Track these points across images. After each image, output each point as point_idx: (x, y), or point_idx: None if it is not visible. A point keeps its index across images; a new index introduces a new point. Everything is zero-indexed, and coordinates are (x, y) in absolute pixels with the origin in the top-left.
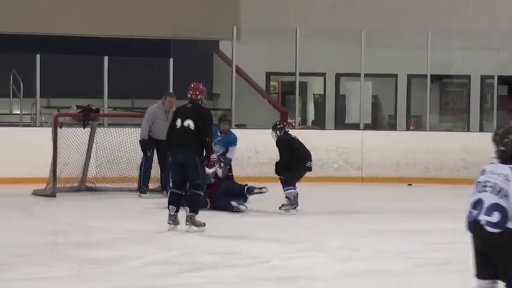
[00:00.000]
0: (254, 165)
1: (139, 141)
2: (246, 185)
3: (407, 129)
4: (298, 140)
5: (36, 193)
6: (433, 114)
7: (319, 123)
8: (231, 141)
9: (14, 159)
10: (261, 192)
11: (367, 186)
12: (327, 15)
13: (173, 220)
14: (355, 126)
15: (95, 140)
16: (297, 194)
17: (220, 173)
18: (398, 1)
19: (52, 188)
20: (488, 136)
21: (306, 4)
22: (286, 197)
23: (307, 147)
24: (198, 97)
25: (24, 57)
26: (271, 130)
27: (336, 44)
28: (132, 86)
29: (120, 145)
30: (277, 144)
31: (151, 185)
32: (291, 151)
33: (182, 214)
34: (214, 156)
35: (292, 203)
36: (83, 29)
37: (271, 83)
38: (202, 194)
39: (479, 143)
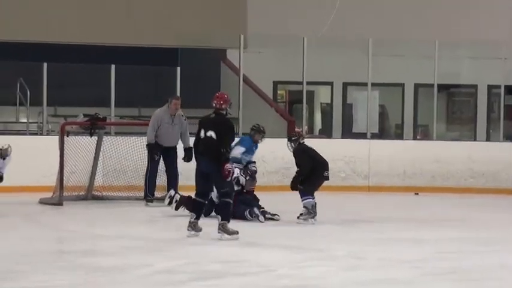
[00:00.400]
0: (262, 175)
1: (146, 145)
2: (262, 207)
3: (414, 138)
4: (314, 149)
5: (42, 201)
6: (440, 123)
7: (326, 132)
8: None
9: (20, 167)
10: (272, 219)
11: (374, 195)
12: (334, 24)
13: (193, 227)
14: (362, 135)
15: (101, 149)
16: (315, 203)
17: (242, 181)
18: (406, 10)
19: (59, 196)
20: (494, 146)
21: (313, 13)
22: (304, 206)
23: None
24: (223, 106)
25: (31, 66)
26: (286, 141)
27: (343, 53)
28: (139, 95)
29: (127, 154)
30: (295, 154)
31: (157, 194)
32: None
33: (202, 221)
34: (229, 165)
35: (310, 212)
36: (90, 37)
37: (279, 92)
38: (232, 201)
39: (486, 153)
